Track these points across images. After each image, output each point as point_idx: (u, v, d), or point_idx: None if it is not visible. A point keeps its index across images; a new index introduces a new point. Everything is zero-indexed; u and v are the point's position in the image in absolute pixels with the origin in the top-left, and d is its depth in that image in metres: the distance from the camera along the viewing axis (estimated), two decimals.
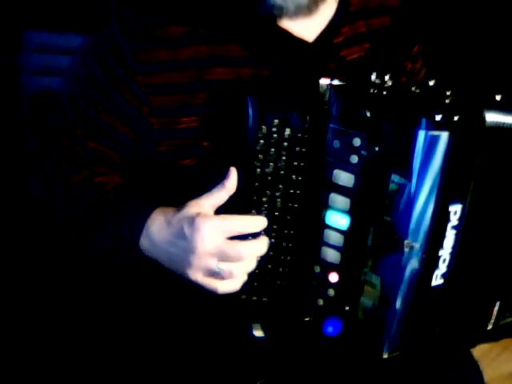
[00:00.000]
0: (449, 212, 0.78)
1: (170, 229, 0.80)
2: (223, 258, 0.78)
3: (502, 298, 0.90)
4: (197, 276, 0.79)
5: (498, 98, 0.84)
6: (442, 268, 0.81)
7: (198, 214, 0.78)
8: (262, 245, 0.80)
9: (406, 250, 0.76)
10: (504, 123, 0.80)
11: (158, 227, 0.82)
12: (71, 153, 0.93)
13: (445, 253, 0.80)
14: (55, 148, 0.95)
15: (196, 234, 0.77)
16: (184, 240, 0.78)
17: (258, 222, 0.80)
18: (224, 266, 0.78)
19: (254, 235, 0.81)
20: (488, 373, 1.08)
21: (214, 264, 0.78)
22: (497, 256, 0.88)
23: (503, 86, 0.92)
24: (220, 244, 0.77)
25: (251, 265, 0.80)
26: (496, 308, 0.90)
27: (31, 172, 0.98)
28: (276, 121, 0.79)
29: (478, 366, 1.05)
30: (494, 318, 0.91)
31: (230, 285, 0.80)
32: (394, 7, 1.02)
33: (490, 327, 0.91)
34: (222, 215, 0.79)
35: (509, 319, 0.93)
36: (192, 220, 0.77)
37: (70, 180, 0.92)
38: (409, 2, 1.04)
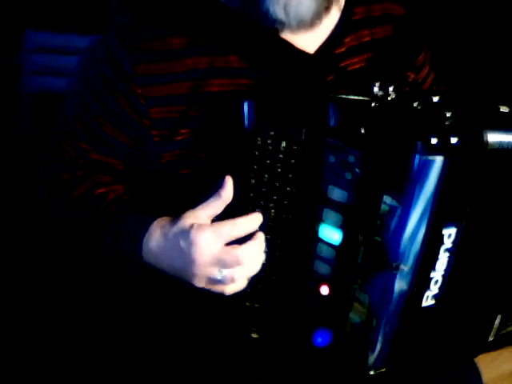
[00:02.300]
0: (442, 235, 0.76)
1: (168, 243, 0.82)
2: (223, 265, 0.79)
3: (503, 312, 0.89)
4: (201, 284, 0.81)
5: (504, 110, 0.82)
6: (434, 289, 0.80)
7: (192, 226, 0.78)
8: (259, 245, 0.80)
9: (395, 271, 0.75)
10: (507, 143, 0.78)
11: (157, 242, 0.83)
12: (73, 164, 0.94)
13: (437, 275, 0.79)
14: (58, 159, 0.95)
15: (192, 248, 0.78)
16: (182, 254, 0.80)
17: (252, 221, 0.80)
18: (226, 273, 0.79)
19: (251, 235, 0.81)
20: (487, 373, 1.07)
21: (215, 272, 0.79)
22: (495, 273, 0.86)
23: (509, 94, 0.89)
24: (217, 253, 0.78)
25: (254, 267, 0.81)
26: (497, 321, 0.90)
27: (37, 177, 0.98)
28: (272, 132, 0.78)
29: (477, 368, 1.05)
30: (495, 330, 0.90)
31: (235, 287, 0.81)
32: (398, 15, 0.99)
33: (491, 339, 0.90)
34: (215, 223, 0.79)
35: (510, 328, 0.92)
36: (187, 233, 0.79)
37: (71, 194, 0.92)
38: (413, 10, 1.00)
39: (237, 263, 0.79)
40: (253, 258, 0.80)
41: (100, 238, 0.89)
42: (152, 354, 0.99)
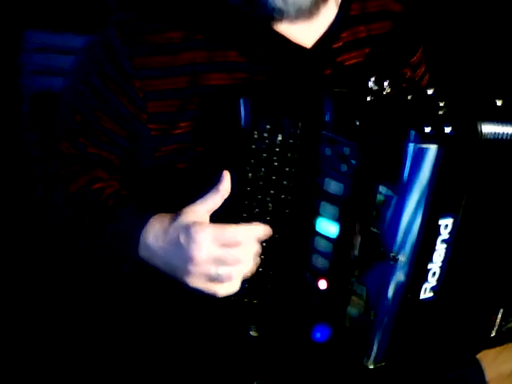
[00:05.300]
0: (439, 226, 0.76)
1: (167, 238, 0.81)
2: (221, 263, 0.79)
3: (505, 305, 0.89)
4: (196, 283, 0.80)
5: (498, 103, 0.82)
6: (432, 281, 0.80)
7: (194, 223, 0.78)
8: (257, 245, 0.80)
9: (392, 262, 0.75)
10: (502, 134, 0.78)
11: (155, 236, 0.83)
12: (71, 158, 0.94)
13: (434, 266, 0.79)
14: (56, 155, 0.95)
15: (192, 244, 0.78)
16: (181, 249, 0.79)
17: (255, 232, 0.80)
18: (222, 271, 0.79)
19: None
20: (488, 372, 1.07)
21: (212, 270, 0.79)
22: (495, 266, 0.86)
23: (506, 89, 0.89)
24: (216, 251, 0.78)
25: (250, 265, 0.80)
26: (499, 316, 0.89)
27: (36, 176, 0.99)
28: (268, 126, 0.79)
29: (480, 366, 1.05)
30: (497, 325, 0.89)
31: (229, 287, 0.81)
32: (396, 12, 1.00)
33: (493, 334, 0.90)
34: (217, 225, 0.79)
35: None
36: (187, 230, 0.78)
37: (68, 189, 0.92)
38: (411, 7, 1.01)
39: (236, 262, 0.79)
40: (252, 257, 0.80)
41: (96, 234, 0.89)
42: (150, 352, 0.99)
